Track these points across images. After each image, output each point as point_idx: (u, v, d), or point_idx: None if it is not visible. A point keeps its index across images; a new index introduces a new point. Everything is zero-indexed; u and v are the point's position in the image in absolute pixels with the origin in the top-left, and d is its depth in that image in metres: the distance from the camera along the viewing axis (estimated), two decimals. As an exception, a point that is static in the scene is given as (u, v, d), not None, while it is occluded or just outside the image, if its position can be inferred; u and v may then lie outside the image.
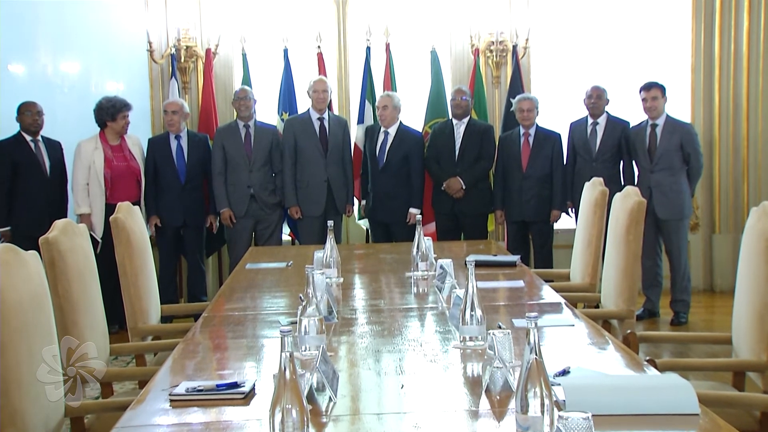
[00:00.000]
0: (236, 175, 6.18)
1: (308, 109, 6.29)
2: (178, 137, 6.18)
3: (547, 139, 6.23)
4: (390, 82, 6.81)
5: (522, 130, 6.23)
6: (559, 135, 6.30)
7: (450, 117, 6.44)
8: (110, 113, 5.89)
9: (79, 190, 5.87)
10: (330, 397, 2.13)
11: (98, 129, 5.99)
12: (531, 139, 6.21)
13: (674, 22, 7.26)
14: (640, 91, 6.07)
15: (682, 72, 7.17)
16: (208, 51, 6.90)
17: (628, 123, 6.22)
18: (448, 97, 6.51)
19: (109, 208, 5.47)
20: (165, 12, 6.93)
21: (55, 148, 5.92)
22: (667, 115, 6.06)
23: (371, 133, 6.37)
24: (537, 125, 6.24)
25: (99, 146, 5.90)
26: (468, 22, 7.06)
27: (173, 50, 6.90)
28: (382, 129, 6.19)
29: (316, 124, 6.20)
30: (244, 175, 6.18)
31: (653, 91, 6.00)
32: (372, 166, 6.27)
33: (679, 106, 7.07)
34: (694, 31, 7.17)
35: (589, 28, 7.24)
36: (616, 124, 6.19)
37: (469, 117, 6.34)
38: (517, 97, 6.35)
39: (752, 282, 2.91)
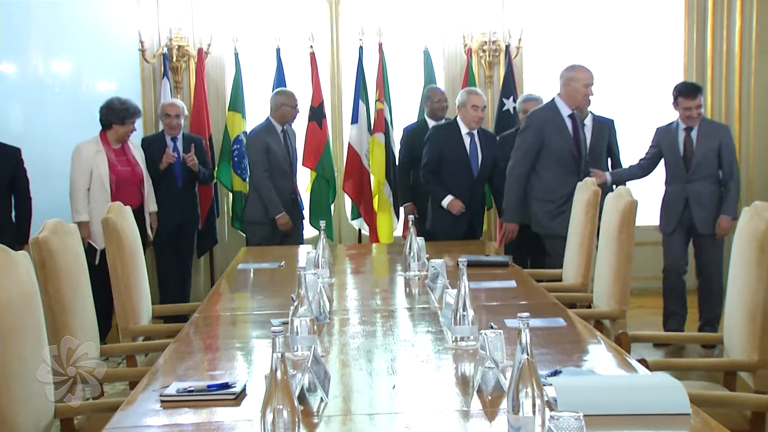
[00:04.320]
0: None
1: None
2: (174, 139, 6.10)
3: None
4: (383, 82, 6.80)
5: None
6: None
7: (426, 118, 6.31)
8: (121, 116, 5.60)
9: (79, 197, 5.55)
10: (321, 398, 2.13)
11: (91, 129, 5.85)
12: None
13: (667, 22, 7.28)
14: (677, 98, 5.48)
15: (674, 72, 7.18)
16: (200, 50, 6.88)
17: (612, 121, 6.13)
18: (434, 98, 6.31)
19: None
20: (157, 11, 6.90)
21: (7, 156, 5.25)
22: (702, 117, 5.56)
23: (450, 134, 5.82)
24: None
25: (101, 149, 5.60)
26: (461, 21, 7.06)
27: (165, 50, 6.88)
28: (466, 131, 5.61)
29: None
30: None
31: (699, 98, 5.44)
32: (457, 170, 5.65)
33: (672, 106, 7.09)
34: (687, 31, 7.20)
35: (581, 28, 7.25)
36: (602, 124, 6.02)
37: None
38: (522, 98, 6.31)
39: (744, 282, 2.92)
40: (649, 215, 6.13)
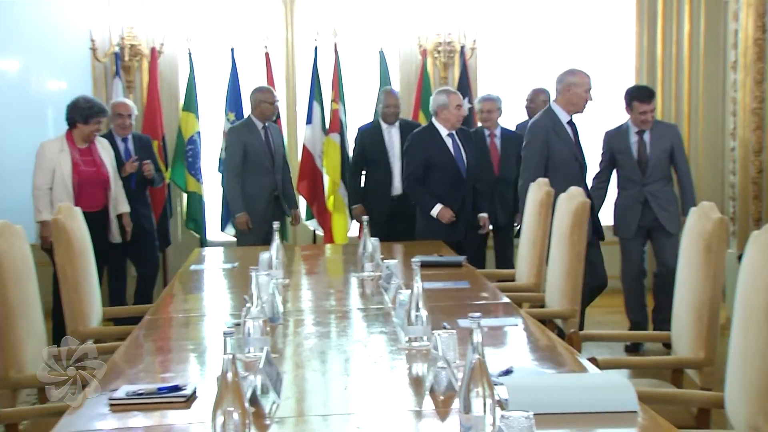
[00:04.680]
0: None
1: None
2: (125, 139, 5.95)
3: (511, 140, 6.12)
4: (338, 83, 6.80)
5: (487, 132, 6.22)
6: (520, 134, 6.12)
7: (380, 120, 6.26)
8: (84, 115, 5.40)
9: (40, 196, 5.36)
10: (274, 400, 2.12)
11: (40, 129, 5.78)
12: (498, 141, 6.18)
13: (618, 25, 7.38)
14: (630, 102, 5.47)
15: (626, 75, 7.28)
16: (153, 50, 6.81)
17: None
18: (385, 101, 6.24)
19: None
20: (108, 9, 6.81)
21: None
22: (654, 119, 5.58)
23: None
24: (501, 127, 6.22)
25: (65, 149, 5.41)
26: (416, 23, 7.08)
27: (117, 48, 6.79)
28: (446, 132, 5.38)
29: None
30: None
31: (653, 103, 5.49)
32: (446, 174, 5.43)
33: (623, 108, 7.18)
34: (638, 35, 7.31)
35: (535, 30, 7.32)
36: None
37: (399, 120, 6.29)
38: (480, 98, 6.34)
39: (691, 281, 2.97)
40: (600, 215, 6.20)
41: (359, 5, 7.16)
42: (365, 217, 4.12)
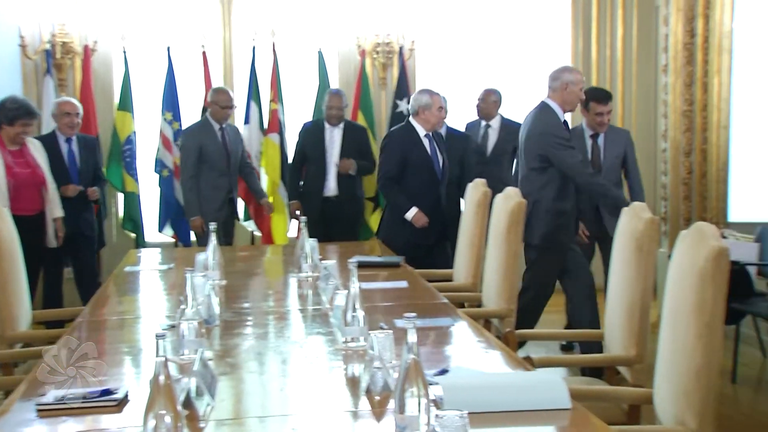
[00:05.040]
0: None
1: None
2: (69, 140, 5.76)
3: (456, 140, 6.09)
4: (276, 83, 6.77)
5: (431, 132, 6.21)
6: (469, 136, 6.19)
7: (324, 120, 6.26)
8: (9, 116, 5.19)
9: None
10: (208, 402, 2.10)
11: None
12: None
13: (555, 28, 7.49)
14: (587, 102, 5.30)
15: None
16: (86, 48, 6.68)
17: (520, 125, 6.23)
18: (329, 103, 6.24)
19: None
20: (38, 5, 6.65)
21: None
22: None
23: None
24: (447, 126, 6.25)
25: None
26: (354, 23, 7.08)
27: (48, 46, 6.64)
28: (424, 133, 5.30)
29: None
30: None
31: (610, 104, 5.40)
32: (422, 176, 5.32)
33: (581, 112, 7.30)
34: (573, 37, 7.43)
35: (474, 32, 7.38)
36: (510, 127, 6.11)
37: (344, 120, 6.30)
38: None
39: (623, 280, 3.02)
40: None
41: (298, 5, 7.13)
42: (303, 218, 4.10)
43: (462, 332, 2.96)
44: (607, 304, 3.22)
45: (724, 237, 5.21)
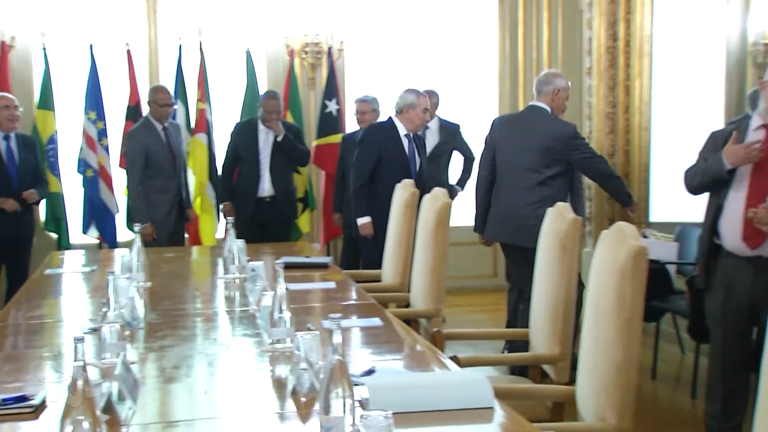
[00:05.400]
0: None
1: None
2: (7, 137, 5.58)
3: (449, 131, 6.13)
4: (203, 83, 6.68)
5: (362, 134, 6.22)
6: (458, 127, 6.23)
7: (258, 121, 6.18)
8: None
9: None
10: (130, 406, 2.06)
11: None
12: None
13: (482, 29, 7.58)
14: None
15: (489, 78, 7.50)
16: (2, 44, 6.49)
17: (458, 126, 6.30)
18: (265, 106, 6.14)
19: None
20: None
21: None
22: None
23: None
24: (439, 118, 6.21)
25: None
26: (283, 23, 7.05)
27: (-39, 41, 6.44)
28: (404, 133, 5.30)
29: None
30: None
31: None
32: (396, 175, 5.14)
33: (489, 112, 7.39)
34: (500, 39, 7.53)
35: (403, 33, 7.42)
36: (448, 129, 6.18)
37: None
38: (356, 99, 6.35)
39: (547, 280, 3.07)
40: (464, 216, 6.35)
41: (225, 4, 7.06)
42: (230, 218, 4.06)
43: (389, 332, 2.97)
44: (532, 303, 3.27)
45: (645, 237, 5.34)
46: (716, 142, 3.66)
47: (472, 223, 5.55)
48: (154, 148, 5.79)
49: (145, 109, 6.68)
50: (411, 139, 5.30)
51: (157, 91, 5.92)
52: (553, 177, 4.69)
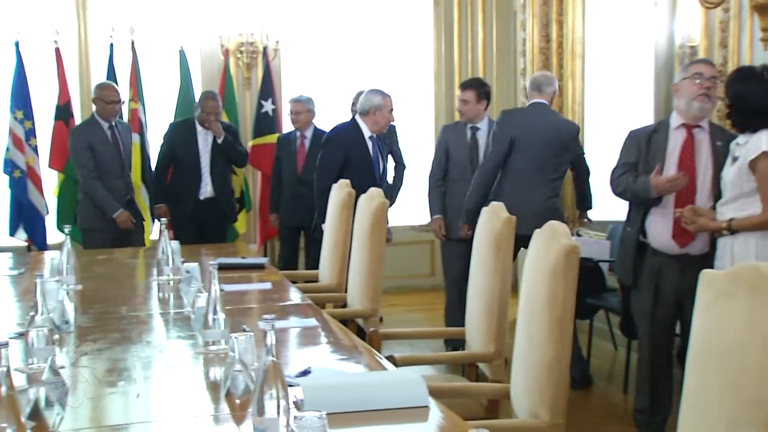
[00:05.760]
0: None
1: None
2: None
3: (385, 134, 6.11)
4: (136, 82, 6.57)
5: (298, 133, 6.18)
6: (394, 128, 6.19)
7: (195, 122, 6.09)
8: None
9: None
10: (58, 412, 2.01)
11: None
12: (307, 142, 6.16)
13: (418, 30, 7.61)
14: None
15: (425, 78, 7.54)
16: None
17: (394, 127, 6.29)
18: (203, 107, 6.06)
19: None
20: None
21: None
22: (489, 117, 5.54)
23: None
24: (315, 128, 6.21)
25: None
26: (217, 22, 6.97)
27: None
28: (369, 134, 5.24)
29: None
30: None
31: (466, 93, 5.41)
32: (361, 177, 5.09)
33: (424, 113, 7.45)
34: (436, 40, 7.57)
35: (339, 33, 7.41)
36: (388, 129, 6.16)
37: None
38: (290, 99, 6.31)
39: (482, 279, 3.10)
40: (401, 216, 6.39)
41: (157, 2, 6.95)
42: (164, 219, 4.00)
43: (326, 333, 2.96)
44: (467, 302, 3.29)
45: (579, 235, 5.44)
46: (638, 140, 3.76)
47: (410, 223, 5.58)
48: (99, 147, 5.66)
49: (77, 108, 6.59)
50: (375, 141, 5.29)
51: (103, 89, 5.78)
52: (564, 172, 4.95)
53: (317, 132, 6.15)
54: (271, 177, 6.40)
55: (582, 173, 5.35)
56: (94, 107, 5.82)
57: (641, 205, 3.74)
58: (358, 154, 5.18)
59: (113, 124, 5.77)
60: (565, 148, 4.86)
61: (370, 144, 5.25)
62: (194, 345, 2.71)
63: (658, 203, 3.67)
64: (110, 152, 5.70)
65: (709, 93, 3.62)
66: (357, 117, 5.29)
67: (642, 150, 3.74)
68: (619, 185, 3.82)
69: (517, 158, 4.79)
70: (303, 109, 6.12)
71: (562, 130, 4.87)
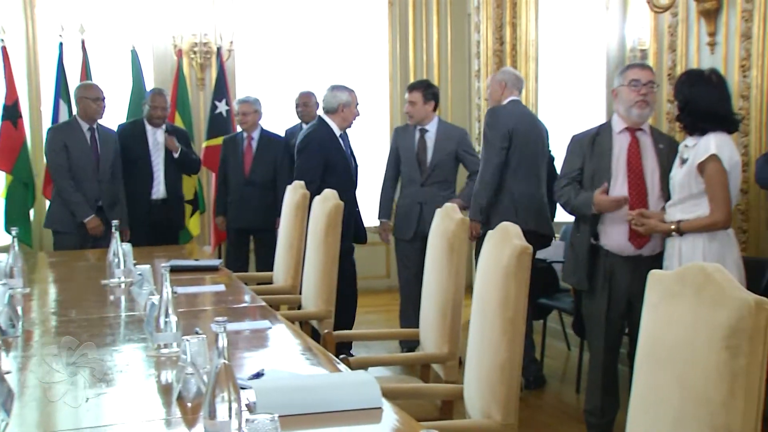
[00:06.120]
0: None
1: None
2: None
3: (271, 143, 6.13)
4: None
5: (245, 134, 6.15)
6: (285, 139, 6.21)
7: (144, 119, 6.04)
8: None
9: None
10: (2, 418, 1.97)
11: None
12: (254, 143, 6.13)
13: (373, 31, 7.63)
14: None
15: (380, 78, 7.55)
16: None
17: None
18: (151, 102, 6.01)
19: None
20: None
21: None
22: (439, 119, 5.53)
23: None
24: (262, 129, 6.18)
25: None
26: (170, 21, 6.91)
27: None
28: (339, 133, 5.23)
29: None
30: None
31: (413, 94, 5.37)
32: (342, 177, 5.19)
33: (379, 114, 7.45)
34: (391, 41, 7.59)
35: (294, 34, 7.39)
36: None
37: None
38: (237, 100, 6.27)
39: (436, 279, 3.11)
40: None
41: (108, 0, 6.86)
42: (115, 222, 3.94)
43: (279, 335, 2.95)
44: (422, 303, 3.30)
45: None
46: (581, 145, 3.81)
47: (365, 224, 5.56)
48: (74, 148, 5.53)
49: (25, 108, 6.48)
50: (344, 139, 5.26)
51: (86, 88, 5.65)
52: (546, 168, 4.95)
53: (264, 133, 6.15)
54: (217, 179, 6.34)
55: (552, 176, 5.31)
56: (75, 109, 5.69)
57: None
58: (336, 156, 5.16)
59: (94, 127, 5.64)
60: (546, 145, 4.97)
61: (342, 142, 5.23)
62: (146, 348, 2.68)
63: (609, 188, 3.69)
64: (86, 155, 5.57)
65: (647, 99, 3.68)
66: (324, 116, 5.24)
67: (586, 154, 3.79)
68: (561, 196, 3.88)
69: (515, 153, 4.78)
70: (251, 109, 6.08)
71: (543, 128, 4.99)
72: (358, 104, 5.29)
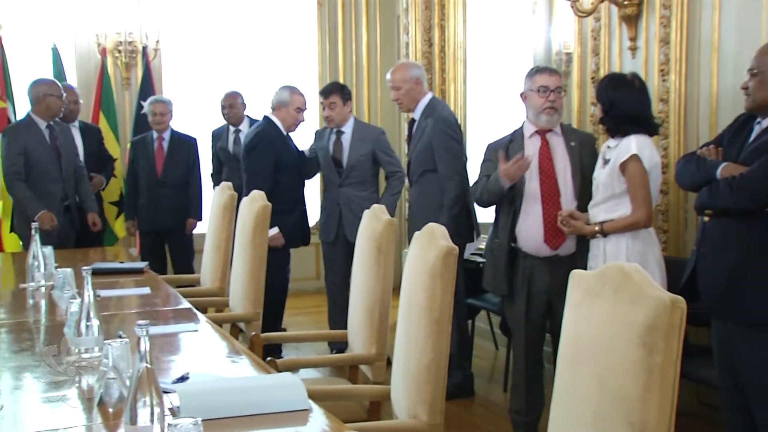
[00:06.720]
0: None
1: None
2: None
3: (183, 144, 6.08)
4: (4, 80, 6.29)
5: (155, 135, 6.06)
6: (195, 140, 6.18)
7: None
8: None
9: None
10: None
11: None
12: (165, 144, 6.05)
13: (302, 32, 7.60)
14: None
15: (310, 80, 7.52)
16: None
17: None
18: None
19: None
20: None
21: None
22: (355, 119, 5.48)
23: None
24: (172, 129, 6.10)
25: None
26: (93, 19, 6.76)
27: None
28: (286, 133, 5.20)
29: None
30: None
31: (329, 98, 5.27)
32: (293, 176, 5.18)
33: (308, 115, 7.39)
34: (320, 42, 7.57)
35: (222, 33, 7.31)
36: None
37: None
38: (149, 100, 6.18)
39: (363, 280, 3.11)
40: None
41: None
42: (34, 224, 3.84)
43: (205, 337, 2.92)
44: (350, 304, 3.30)
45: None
46: (497, 152, 3.85)
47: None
48: (35, 149, 5.33)
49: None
50: (289, 137, 5.22)
51: (47, 84, 5.43)
52: None
53: (174, 133, 6.11)
54: (126, 182, 6.23)
55: None
56: (30, 107, 5.48)
57: (509, 213, 3.82)
58: (286, 155, 5.12)
59: (51, 124, 5.45)
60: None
61: (289, 141, 5.21)
62: (68, 353, 2.62)
63: (518, 201, 3.75)
64: (47, 154, 5.38)
65: (555, 106, 3.76)
66: (271, 114, 5.20)
67: (501, 161, 3.83)
68: (476, 191, 3.94)
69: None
70: (167, 110, 6.02)
71: None
72: (303, 109, 5.24)
